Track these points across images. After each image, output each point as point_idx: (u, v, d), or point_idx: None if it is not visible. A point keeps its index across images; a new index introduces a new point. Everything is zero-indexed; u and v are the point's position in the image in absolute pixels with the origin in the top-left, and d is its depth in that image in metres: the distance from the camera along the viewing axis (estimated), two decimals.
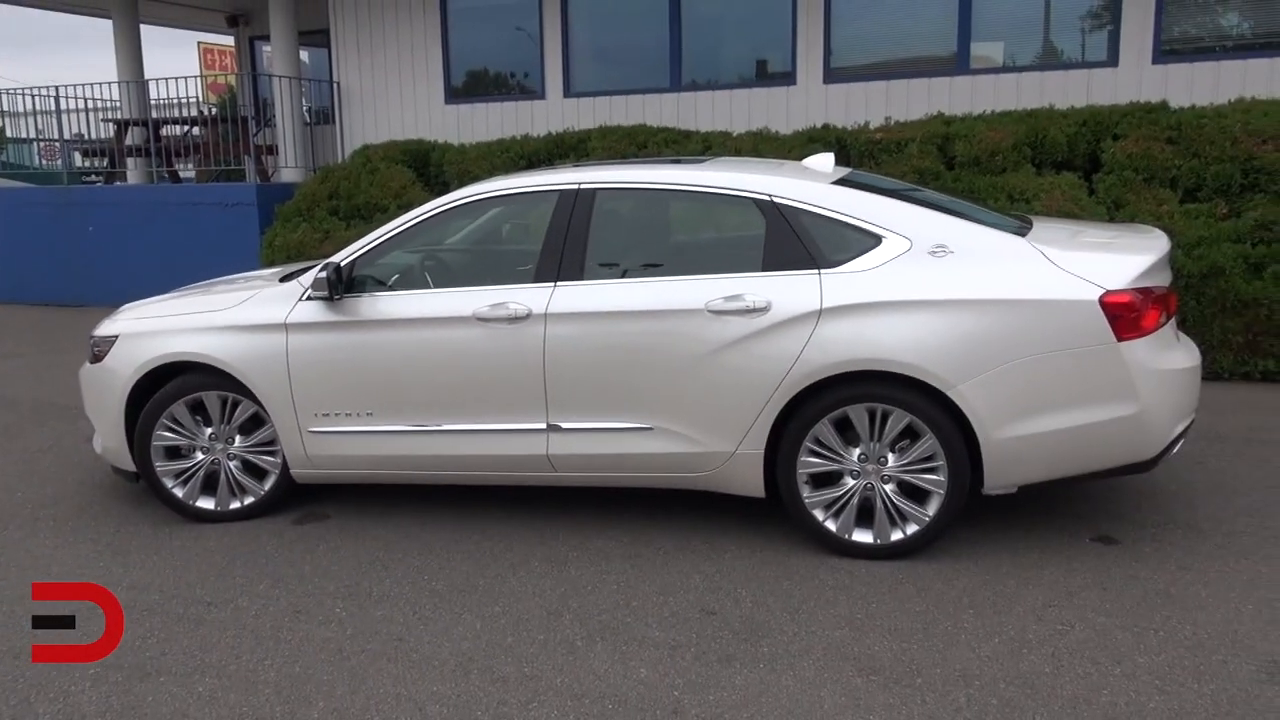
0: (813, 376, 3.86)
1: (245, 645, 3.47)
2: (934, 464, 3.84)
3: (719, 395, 3.98)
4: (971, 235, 3.94)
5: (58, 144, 13.17)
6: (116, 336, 4.70)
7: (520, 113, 11.12)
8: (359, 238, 4.74)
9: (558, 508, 4.64)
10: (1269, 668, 3.11)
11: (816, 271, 3.94)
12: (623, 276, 4.18)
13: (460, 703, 3.08)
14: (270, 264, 9.03)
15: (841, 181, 4.27)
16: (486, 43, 11.45)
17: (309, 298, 4.41)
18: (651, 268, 4.20)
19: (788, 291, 3.92)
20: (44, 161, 16.86)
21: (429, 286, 4.49)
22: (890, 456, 3.90)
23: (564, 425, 4.18)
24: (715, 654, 3.31)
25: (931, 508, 3.89)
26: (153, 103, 12.78)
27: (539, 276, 4.23)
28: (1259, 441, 5.35)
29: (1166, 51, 8.92)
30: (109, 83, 12.68)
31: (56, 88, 12.20)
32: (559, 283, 4.19)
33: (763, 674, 3.18)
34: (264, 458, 4.63)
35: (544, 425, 4.20)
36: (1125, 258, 3.86)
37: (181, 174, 13.29)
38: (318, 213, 9.91)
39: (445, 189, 9.28)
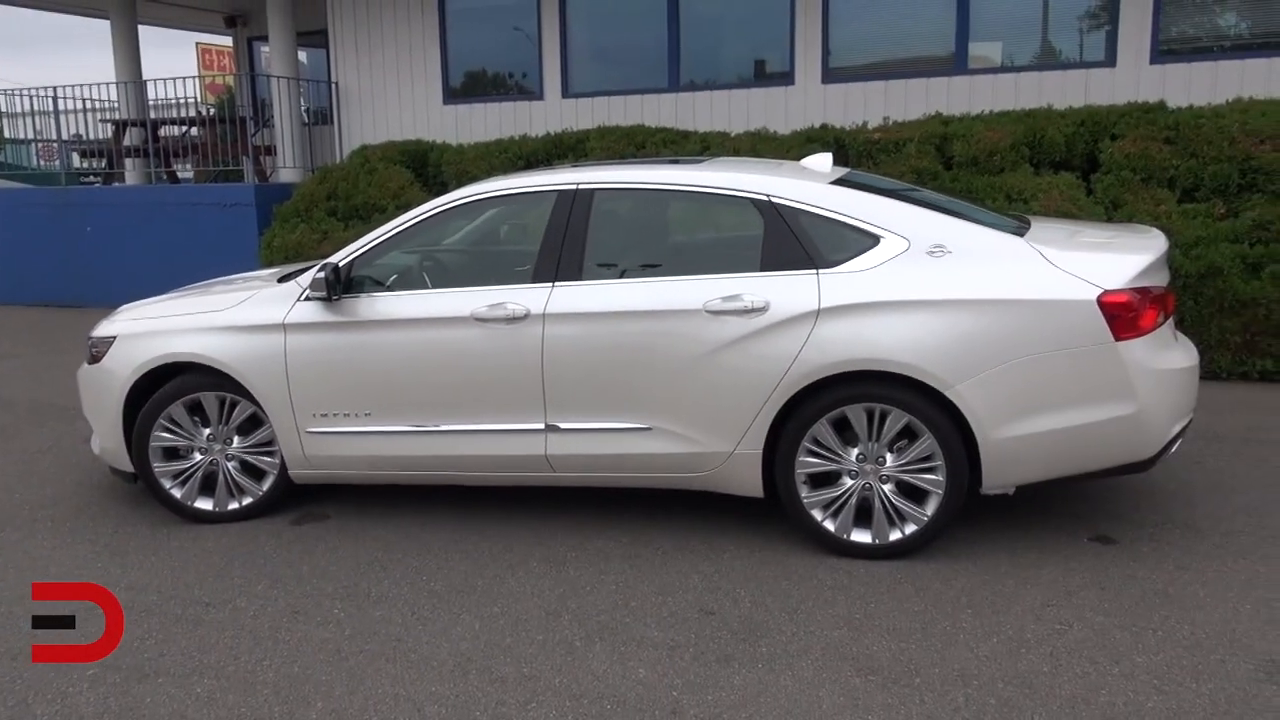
0: (811, 376, 3.86)
1: (243, 646, 3.47)
2: (932, 464, 3.84)
3: (717, 395, 3.98)
4: (969, 235, 3.94)
5: (56, 145, 13.16)
6: (114, 337, 4.70)
7: (518, 113, 11.12)
8: (357, 238, 4.73)
9: (556, 508, 4.64)
10: (1267, 667, 3.11)
11: (814, 271, 3.94)
12: (621, 277, 4.18)
13: (459, 703, 3.08)
14: (268, 264, 9.03)
15: (840, 181, 4.27)
16: (485, 43, 11.44)
17: (307, 298, 4.41)
18: (650, 268, 4.20)
19: (786, 291, 3.92)
20: (42, 162, 16.86)
21: (427, 287, 4.49)
22: (888, 456, 3.90)
23: (562, 425, 4.18)
24: (714, 654, 3.31)
25: (930, 508, 3.89)
26: (151, 103, 12.78)
27: (537, 277, 4.23)
28: (1257, 441, 5.36)
29: (1164, 52, 8.92)
30: (107, 83, 12.68)
31: (55, 88, 12.19)
32: (557, 283, 4.19)
33: (761, 674, 3.18)
34: (262, 458, 4.63)
35: (542, 425, 4.20)
36: (1123, 257, 3.86)
37: (180, 174, 13.27)
38: (316, 213, 9.91)
39: (443, 189, 9.27)
